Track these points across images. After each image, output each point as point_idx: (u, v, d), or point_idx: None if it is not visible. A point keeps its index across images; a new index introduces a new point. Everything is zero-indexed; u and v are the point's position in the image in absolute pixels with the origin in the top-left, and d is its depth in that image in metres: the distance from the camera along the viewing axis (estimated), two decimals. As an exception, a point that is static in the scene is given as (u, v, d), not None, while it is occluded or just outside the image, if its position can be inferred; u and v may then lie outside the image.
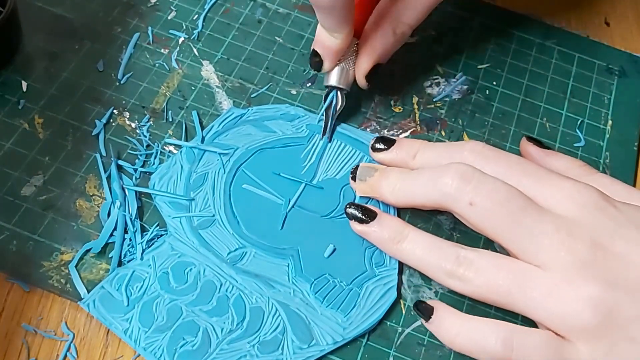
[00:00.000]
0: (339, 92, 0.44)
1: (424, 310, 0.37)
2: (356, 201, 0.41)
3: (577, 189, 0.35)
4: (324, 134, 0.44)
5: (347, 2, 0.39)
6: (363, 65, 0.43)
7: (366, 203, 0.41)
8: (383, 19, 0.44)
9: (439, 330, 0.36)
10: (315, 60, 0.43)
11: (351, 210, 0.39)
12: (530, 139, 0.43)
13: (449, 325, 0.35)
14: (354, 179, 0.41)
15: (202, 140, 0.43)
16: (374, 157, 0.42)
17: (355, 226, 0.39)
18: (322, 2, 0.38)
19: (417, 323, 0.39)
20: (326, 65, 0.43)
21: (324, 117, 0.44)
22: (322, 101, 0.45)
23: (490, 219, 0.35)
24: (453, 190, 0.35)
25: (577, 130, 0.48)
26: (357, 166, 0.41)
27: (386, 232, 0.38)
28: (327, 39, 0.42)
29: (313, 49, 0.43)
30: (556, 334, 0.33)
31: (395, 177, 0.39)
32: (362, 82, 0.44)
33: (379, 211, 0.39)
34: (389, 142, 0.42)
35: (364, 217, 0.39)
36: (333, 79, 0.44)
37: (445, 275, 0.35)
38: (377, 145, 0.42)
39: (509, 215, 0.34)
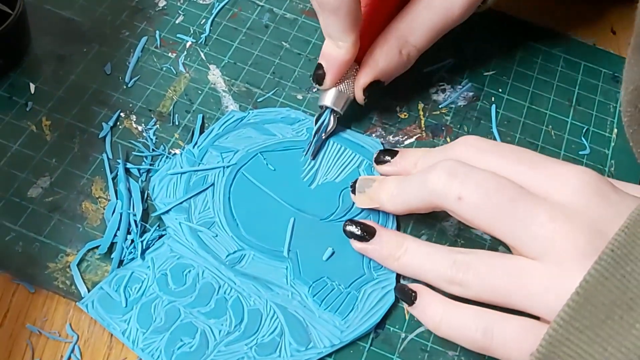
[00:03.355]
0: (331, 115, 0.44)
1: (406, 294, 0.36)
2: (354, 210, 0.42)
3: (574, 173, 0.33)
4: (307, 152, 0.44)
5: (354, 5, 0.38)
6: (362, 79, 0.43)
7: (366, 217, 0.41)
8: (391, 36, 0.43)
9: (424, 316, 0.36)
10: (319, 73, 0.43)
11: (350, 228, 0.39)
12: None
13: (433, 312, 0.35)
14: (353, 192, 0.41)
15: (194, 146, 0.43)
16: (378, 169, 0.42)
17: (355, 244, 0.39)
18: (327, 3, 0.38)
19: (421, 329, 0.39)
20: (328, 80, 0.43)
21: (312, 136, 0.44)
22: (314, 122, 0.44)
23: (480, 213, 0.34)
24: (441, 186, 0.35)
25: (583, 138, 0.48)
26: (357, 179, 0.41)
27: (385, 249, 0.38)
28: (332, 49, 0.42)
29: (318, 63, 0.43)
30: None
31: (393, 185, 0.39)
32: (359, 95, 0.44)
33: (378, 227, 0.39)
34: (391, 154, 0.42)
35: (363, 235, 0.39)
36: (328, 100, 0.44)
37: (446, 282, 0.35)
38: (380, 158, 0.42)
39: (499, 206, 0.33)
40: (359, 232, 0.39)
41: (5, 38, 0.43)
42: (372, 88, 0.43)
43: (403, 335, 0.39)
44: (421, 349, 0.38)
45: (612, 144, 0.48)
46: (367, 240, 0.39)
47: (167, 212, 0.40)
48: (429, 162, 0.39)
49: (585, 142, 0.48)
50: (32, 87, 0.45)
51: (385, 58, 0.43)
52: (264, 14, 0.51)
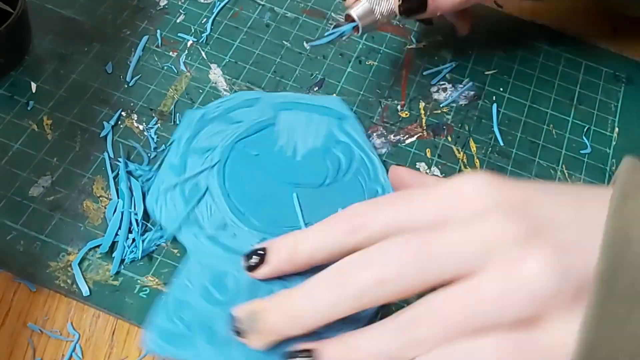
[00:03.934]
0: (352, 30, 0.43)
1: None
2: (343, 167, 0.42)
3: (465, 182, 0.31)
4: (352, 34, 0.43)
5: None
6: None
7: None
8: None
9: None
10: None
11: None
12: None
13: None
14: (239, 334, 0.33)
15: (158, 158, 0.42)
16: (254, 276, 0.36)
17: None
18: None
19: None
20: None
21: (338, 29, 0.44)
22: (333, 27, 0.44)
23: (408, 279, 0.30)
24: (363, 285, 0.30)
25: (584, 137, 0.48)
26: (234, 319, 0.33)
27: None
28: None
29: None
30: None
31: (288, 304, 0.32)
32: (395, 8, 0.42)
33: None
34: (259, 253, 0.35)
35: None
36: (356, 11, 0.42)
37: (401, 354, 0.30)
38: (251, 263, 0.35)
39: (418, 260, 0.30)
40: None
41: (6, 37, 0.43)
42: (413, 7, 0.42)
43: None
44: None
45: (614, 142, 0.48)
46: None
47: (179, 229, 0.40)
48: (313, 243, 0.34)
49: (586, 141, 0.48)
50: (34, 86, 0.45)
51: None
52: (264, 13, 0.51)
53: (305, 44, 0.43)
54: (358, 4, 0.43)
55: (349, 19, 0.43)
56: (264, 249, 0.35)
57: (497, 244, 0.29)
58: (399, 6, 0.42)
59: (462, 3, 0.44)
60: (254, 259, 0.35)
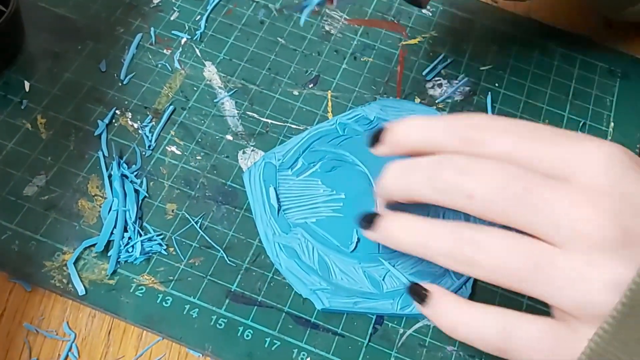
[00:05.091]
0: None
1: (418, 293, 0.34)
2: None
3: (600, 149, 0.30)
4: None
5: None
6: None
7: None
8: None
9: (438, 317, 0.33)
10: None
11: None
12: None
13: (449, 313, 0.32)
14: (363, 227, 0.36)
15: (278, 212, 0.42)
16: (374, 153, 0.37)
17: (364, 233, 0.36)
18: None
19: (419, 324, 0.39)
20: None
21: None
22: None
23: (493, 207, 0.30)
24: (447, 186, 0.32)
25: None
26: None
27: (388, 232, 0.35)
28: None
29: None
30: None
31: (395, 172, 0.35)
32: None
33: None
34: (381, 133, 0.36)
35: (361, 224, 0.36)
36: None
37: (452, 260, 0.31)
38: (372, 141, 0.37)
39: (513, 198, 0.30)
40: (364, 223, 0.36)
41: (-1, 36, 0.43)
42: None
43: (401, 330, 0.39)
44: (419, 344, 0.38)
45: (609, 137, 0.48)
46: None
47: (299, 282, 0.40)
48: (430, 135, 0.34)
49: (582, 136, 0.48)
50: (27, 85, 0.44)
51: None
52: (259, 10, 0.51)
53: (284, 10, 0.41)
54: None
55: None
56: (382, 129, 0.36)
57: (591, 234, 0.28)
58: None
59: None
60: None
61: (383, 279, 0.39)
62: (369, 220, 0.35)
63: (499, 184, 0.30)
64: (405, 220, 0.34)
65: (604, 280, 0.28)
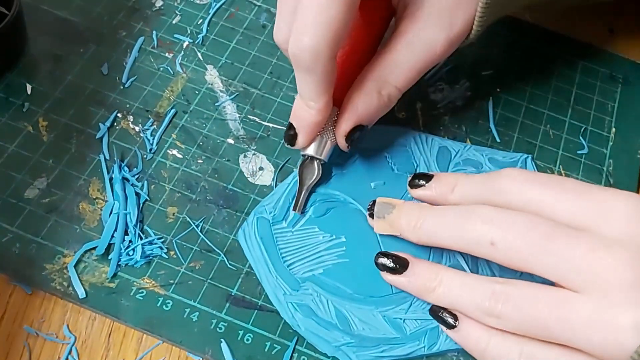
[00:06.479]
0: (315, 162, 0.41)
1: (445, 319, 0.36)
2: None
3: (620, 200, 0.32)
4: (295, 207, 0.41)
5: (329, 68, 0.36)
6: (343, 126, 0.40)
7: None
8: (369, 78, 0.40)
9: (467, 341, 0.35)
10: (290, 134, 0.40)
11: (381, 261, 0.38)
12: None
13: (478, 338, 0.34)
14: (371, 215, 0.40)
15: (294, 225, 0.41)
16: (412, 194, 0.41)
17: (387, 277, 0.38)
18: (303, 62, 0.35)
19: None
20: (300, 140, 0.40)
21: (298, 190, 0.42)
22: (298, 172, 0.42)
23: (515, 255, 0.33)
24: (473, 234, 0.34)
25: (581, 138, 0.48)
26: (374, 202, 0.40)
27: (419, 280, 0.37)
28: (302, 111, 0.39)
29: (289, 122, 0.40)
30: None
31: (416, 216, 0.37)
32: (341, 143, 0.40)
33: (410, 258, 0.38)
34: (427, 178, 0.41)
35: (395, 267, 0.38)
36: (310, 149, 0.41)
37: (484, 314, 0.34)
38: (416, 182, 0.41)
39: (534, 245, 0.32)
40: (390, 264, 0.38)
41: (1, 38, 0.43)
42: (355, 133, 0.40)
43: None
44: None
45: (611, 143, 0.48)
46: (400, 273, 0.37)
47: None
48: (467, 190, 0.38)
49: (583, 142, 0.48)
50: (29, 87, 0.44)
51: (365, 101, 0.39)
52: (261, 13, 0.51)
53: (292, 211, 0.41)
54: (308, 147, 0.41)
55: (306, 157, 0.42)
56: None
57: (610, 277, 0.30)
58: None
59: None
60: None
61: (404, 322, 0.38)
62: (402, 265, 0.38)
63: (521, 232, 0.33)
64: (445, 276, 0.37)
65: (626, 323, 0.29)
